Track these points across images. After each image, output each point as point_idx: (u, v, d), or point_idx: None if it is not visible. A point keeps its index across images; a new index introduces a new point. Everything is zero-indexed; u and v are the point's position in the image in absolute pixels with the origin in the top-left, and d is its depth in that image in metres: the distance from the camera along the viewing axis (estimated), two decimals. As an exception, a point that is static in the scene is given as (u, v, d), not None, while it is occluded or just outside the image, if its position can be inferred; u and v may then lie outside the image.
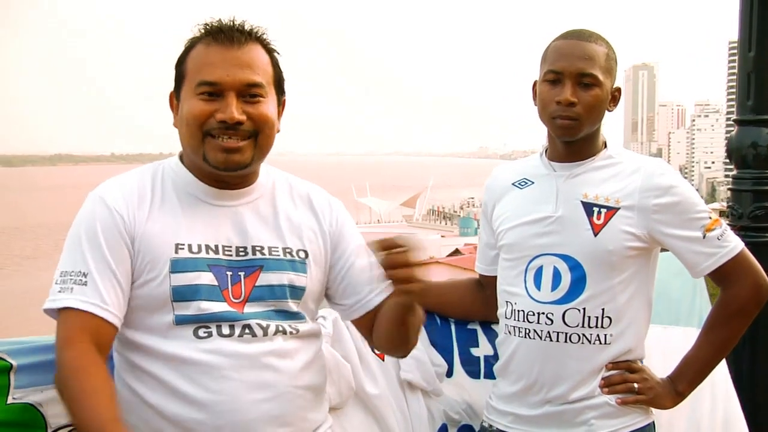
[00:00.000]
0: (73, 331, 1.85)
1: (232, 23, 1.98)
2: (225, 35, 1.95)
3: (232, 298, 1.94)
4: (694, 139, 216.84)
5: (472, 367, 2.71)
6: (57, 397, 1.92)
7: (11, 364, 1.93)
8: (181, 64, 2.02)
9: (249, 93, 1.95)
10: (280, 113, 2.07)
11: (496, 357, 2.58)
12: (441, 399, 2.66)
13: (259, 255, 2.00)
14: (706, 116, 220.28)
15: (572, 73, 2.27)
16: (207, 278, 1.93)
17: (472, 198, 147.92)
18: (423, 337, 2.65)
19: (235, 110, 1.92)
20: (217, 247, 1.96)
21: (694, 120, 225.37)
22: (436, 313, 2.73)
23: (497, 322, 2.62)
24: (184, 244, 1.93)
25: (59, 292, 1.88)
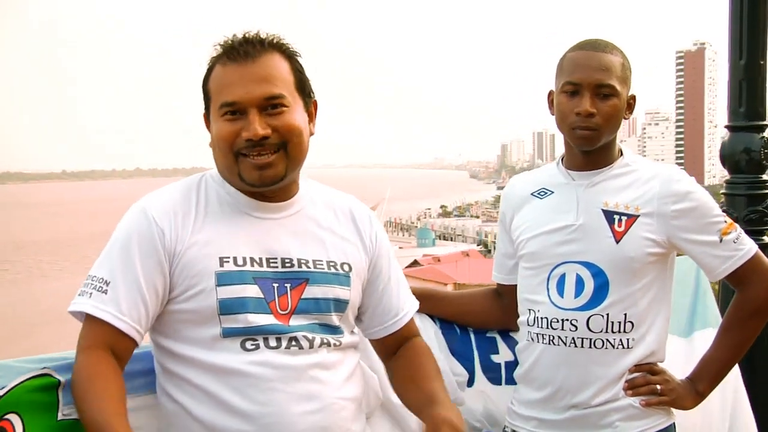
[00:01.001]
0: (91, 337, 1.88)
1: (245, 37, 1.97)
2: (239, 51, 1.94)
3: (279, 310, 1.95)
4: (645, 146, 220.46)
5: (493, 374, 2.74)
6: None
7: (59, 381, 1.92)
8: (205, 86, 2.02)
9: (271, 105, 1.94)
10: (313, 115, 2.08)
11: (516, 362, 2.61)
12: (463, 408, 2.67)
13: (304, 268, 2.00)
14: (657, 124, 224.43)
15: (590, 85, 2.31)
16: (253, 291, 1.93)
17: (429, 209, 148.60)
18: (443, 347, 2.68)
19: (258, 126, 1.91)
20: (261, 259, 1.97)
21: (644, 128, 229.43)
22: (455, 323, 2.76)
23: (516, 330, 2.66)
24: (228, 257, 1.93)
25: (79, 295, 1.91)
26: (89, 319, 1.89)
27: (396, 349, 2.27)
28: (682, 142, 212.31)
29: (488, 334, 2.78)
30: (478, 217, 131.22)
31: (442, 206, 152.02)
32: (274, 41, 1.99)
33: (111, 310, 1.87)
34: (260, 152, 1.93)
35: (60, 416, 1.90)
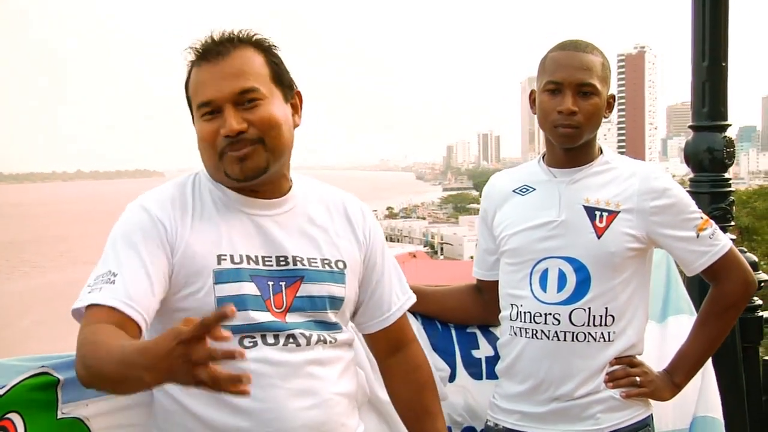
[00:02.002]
0: (95, 319, 1.79)
1: (215, 37, 1.97)
2: (211, 51, 1.95)
3: (274, 308, 1.95)
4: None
5: (474, 369, 2.77)
6: (102, 410, 1.95)
7: (58, 379, 1.90)
8: (186, 90, 2.03)
9: (245, 100, 1.93)
10: (298, 107, 2.07)
11: (496, 357, 2.65)
12: (445, 403, 2.70)
13: (299, 266, 2.01)
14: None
15: (572, 84, 2.37)
16: (250, 288, 1.93)
17: (375, 210, 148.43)
18: (425, 342, 2.71)
19: (234, 122, 1.91)
20: (257, 257, 1.97)
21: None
22: (436, 319, 2.79)
23: (496, 326, 2.70)
24: (226, 255, 1.93)
25: (89, 293, 1.84)
26: (93, 309, 1.81)
27: (389, 349, 2.29)
28: (624, 144, 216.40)
29: (468, 330, 2.82)
30: (424, 218, 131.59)
31: (388, 208, 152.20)
32: (246, 36, 1.99)
33: (120, 297, 1.80)
34: (239, 147, 1.93)
35: (60, 414, 1.89)
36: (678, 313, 2.96)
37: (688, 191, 3.71)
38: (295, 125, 2.05)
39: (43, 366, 1.90)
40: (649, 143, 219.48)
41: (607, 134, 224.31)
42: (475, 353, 2.79)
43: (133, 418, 2.05)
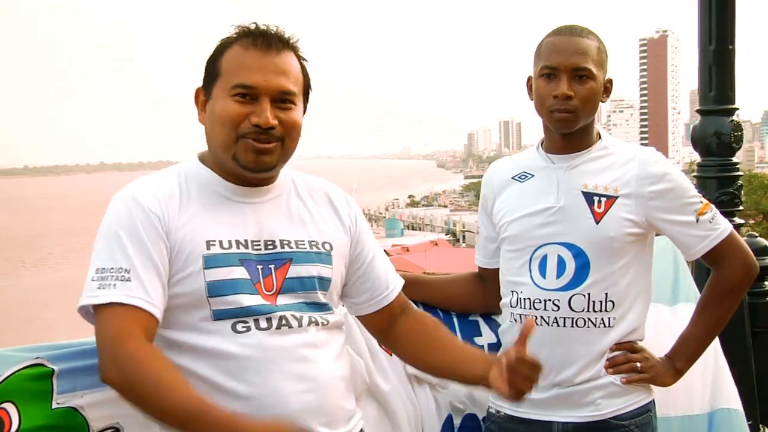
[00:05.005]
0: (127, 324, 1.83)
1: (267, 28, 2.03)
2: (264, 40, 2.01)
3: (264, 291, 1.98)
4: (610, 133, 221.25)
5: None
6: (97, 401, 1.95)
7: (53, 370, 1.93)
8: (214, 62, 2.05)
9: (282, 99, 2.00)
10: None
11: (498, 344, 2.65)
12: (447, 390, 2.71)
13: (287, 248, 2.04)
14: (621, 112, 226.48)
15: (568, 68, 2.36)
16: (239, 273, 1.96)
17: (397, 199, 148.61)
18: None
19: (270, 115, 1.97)
20: (246, 242, 2.00)
21: (609, 115, 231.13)
22: (438, 308, 2.79)
23: (498, 313, 2.70)
24: (215, 241, 1.96)
25: (99, 288, 1.85)
26: (116, 309, 1.84)
27: (391, 319, 2.29)
28: (646, 129, 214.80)
29: (471, 318, 2.82)
30: (446, 206, 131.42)
31: (409, 196, 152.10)
32: (293, 41, 2.07)
33: (141, 296, 1.85)
34: (266, 140, 1.98)
35: (54, 405, 1.91)
36: (687, 301, 2.94)
37: (695, 176, 3.70)
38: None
39: (38, 357, 1.92)
40: (672, 128, 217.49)
41: (629, 119, 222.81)
42: (478, 340, 2.78)
43: (129, 408, 2.07)
